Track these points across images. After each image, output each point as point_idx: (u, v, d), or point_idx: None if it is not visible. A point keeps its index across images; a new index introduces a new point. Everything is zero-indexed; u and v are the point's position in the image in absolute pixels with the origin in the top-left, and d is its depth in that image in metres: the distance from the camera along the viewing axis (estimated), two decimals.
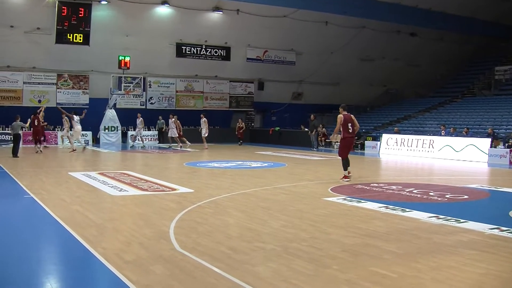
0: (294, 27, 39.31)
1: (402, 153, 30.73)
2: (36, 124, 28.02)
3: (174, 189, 14.79)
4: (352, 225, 10.16)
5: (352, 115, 17.31)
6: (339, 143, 18.46)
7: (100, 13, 34.44)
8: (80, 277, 6.93)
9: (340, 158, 17.58)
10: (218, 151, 29.02)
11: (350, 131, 16.99)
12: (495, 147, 26.97)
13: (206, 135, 33.01)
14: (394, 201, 12.96)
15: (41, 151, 27.77)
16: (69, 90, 37.14)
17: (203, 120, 33.02)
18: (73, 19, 33.14)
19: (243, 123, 38.60)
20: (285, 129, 40.61)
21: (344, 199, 13.26)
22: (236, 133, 38.08)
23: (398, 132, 33.46)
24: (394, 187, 15.77)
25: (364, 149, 33.94)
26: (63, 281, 6.82)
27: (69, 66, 36.23)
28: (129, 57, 35.78)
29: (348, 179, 16.89)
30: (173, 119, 33.59)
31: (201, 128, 33.33)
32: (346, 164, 17.07)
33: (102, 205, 12.40)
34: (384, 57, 45.23)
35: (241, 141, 37.30)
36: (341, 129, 17.08)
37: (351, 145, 17.77)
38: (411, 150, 30.48)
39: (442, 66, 48.40)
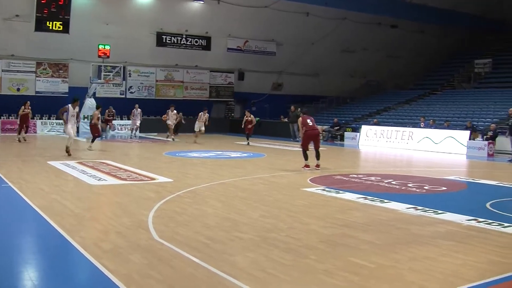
0: (275, 18, 39.24)
1: (381, 145, 30.85)
2: (24, 111, 27.69)
3: (153, 179, 14.75)
4: (330, 215, 10.19)
5: (311, 117, 18.66)
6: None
7: (80, 1, 34.14)
8: (57, 266, 6.89)
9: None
10: (198, 141, 28.95)
11: (310, 124, 18.10)
12: (473, 139, 27.16)
13: (203, 129, 31.00)
14: (373, 192, 13.01)
15: (24, 139, 27.28)
16: (48, 78, 36.73)
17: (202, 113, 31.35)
18: (53, 6, 32.78)
19: (251, 116, 31.07)
20: (265, 119, 40.56)
21: (323, 190, 13.30)
22: (243, 127, 31.11)
23: (378, 124, 33.57)
24: (373, 178, 15.84)
25: (343, 140, 34.01)
26: (41, 271, 6.77)
27: (48, 54, 35.80)
28: (109, 46, 35.57)
29: (308, 169, 17.63)
30: (174, 111, 32.33)
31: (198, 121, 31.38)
32: (305, 155, 18.08)
33: (80, 194, 12.32)
34: (364, 49, 45.24)
35: (248, 139, 30.31)
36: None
37: (314, 137, 18.37)
38: (390, 141, 30.61)
39: (423, 58, 48.57)
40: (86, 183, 13.75)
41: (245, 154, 23.37)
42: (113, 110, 34.03)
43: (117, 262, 6.87)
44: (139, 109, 33.64)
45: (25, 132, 27.90)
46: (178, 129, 33.59)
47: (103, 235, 8.33)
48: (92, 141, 23.82)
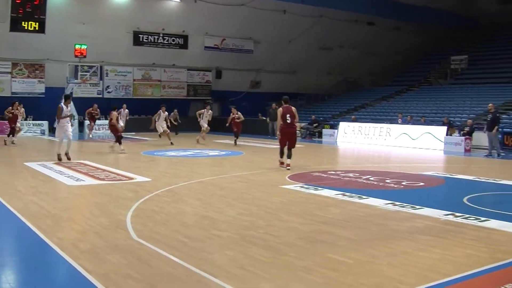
0: (252, 16, 39.23)
1: (359, 141, 30.99)
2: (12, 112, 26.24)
3: (131, 178, 14.69)
4: (308, 212, 10.21)
5: (293, 108, 17.47)
6: None
7: (55, 1, 33.86)
8: (35, 267, 6.82)
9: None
10: (176, 140, 28.87)
11: (288, 121, 17.10)
12: (450, 135, 27.37)
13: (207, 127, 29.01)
14: (351, 188, 13.07)
15: (12, 142, 25.86)
16: (24, 79, 36.41)
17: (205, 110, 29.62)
18: (28, 6, 32.46)
19: (239, 113, 28.95)
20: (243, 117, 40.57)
21: (301, 187, 13.33)
22: (228, 124, 29.28)
23: (356, 120, 33.70)
24: (351, 175, 15.91)
25: (321, 137, 34.12)
26: (18, 273, 6.72)
27: (24, 54, 35.47)
28: (85, 46, 35.37)
29: (283, 167, 17.17)
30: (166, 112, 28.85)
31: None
32: (280, 152, 17.65)
33: (58, 195, 12.25)
34: (341, 46, 45.37)
35: (236, 139, 28.52)
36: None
37: (290, 136, 17.42)
38: (368, 138, 30.75)
39: (399, 55, 48.82)
40: (63, 184, 13.66)
41: (223, 153, 23.35)
42: (98, 109, 33.46)
43: (95, 262, 6.84)
44: (126, 109, 31.72)
45: (12, 135, 26.32)
46: (177, 128, 33.63)
47: (81, 235, 8.28)
48: (119, 142, 22.73)
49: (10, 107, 26.38)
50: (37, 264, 6.99)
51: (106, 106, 35.13)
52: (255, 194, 12.48)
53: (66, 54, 35.30)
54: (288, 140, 17.33)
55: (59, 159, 18.59)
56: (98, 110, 33.64)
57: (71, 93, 34.57)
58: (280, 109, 17.44)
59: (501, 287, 5.99)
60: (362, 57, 46.92)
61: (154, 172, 16.27)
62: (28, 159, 19.22)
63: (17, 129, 26.50)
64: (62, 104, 19.24)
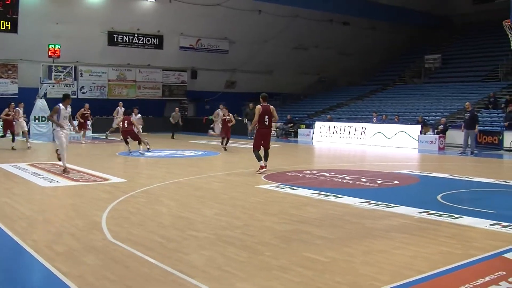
0: (227, 16, 39.23)
1: (335, 140, 31.12)
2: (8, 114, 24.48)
3: (107, 179, 14.62)
4: (285, 212, 10.24)
5: (271, 106, 16.62)
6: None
7: (28, 0, 33.59)
8: (9, 270, 6.77)
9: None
10: (152, 141, 28.75)
11: (266, 123, 16.29)
12: (424, 133, 27.63)
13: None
14: (327, 188, 13.14)
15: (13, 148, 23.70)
16: None
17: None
18: (0, 5, 32.17)
19: (230, 114, 26.07)
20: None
21: (277, 187, 13.36)
22: (219, 126, 27.10)
23: (331, 120, 33.83)
24: (326, 174, 15.98)
25: (297, 137, 34.22)
26: None
27: None
28: (59, 46, 35.04)
29: (263, 171, 16.03)
30: (139, 115, 26.15)
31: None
32: (258, 156, 16.31)
33: (32, 196, 12.14)
34: (317, 46, 45.57)
35: (226, 144, 24.93)
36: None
37: (265, 137, 16.52)
38: (343, 137, 30.90)
39: (374, 55, 49.12)
40: (37, 185, 13.55)
41: (199, 153, 23.33)
42: (89, 109, 31.57)
43: (71, 264, 6.80)
44: (123, 107, 30.48)
45: (13, 140, 24.31)
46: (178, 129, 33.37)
47: (56, 237, 8.22)
48: (140, 142, 22.17)
49: (7, 109, 24.55)
50: (11, 266, 6.92)
51: (80, 107, 34.97)
52: (231, 194, 12.48)
53: (39, 54, 34.97)
54: (263, 141, 16.45)
55: (66, 171, 15.73)
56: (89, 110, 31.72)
57: (45, 93, 34.37)
58: (259, 107, 16.25)
59: (474, 282, 6.07)
60: (337, 57, 47.14)
61: (129, 173, 16.22)
62: (0, 160, 19.01)
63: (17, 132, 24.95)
64: (60, 104, 16.19)
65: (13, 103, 25.47)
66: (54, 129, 16.61)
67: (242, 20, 40.19)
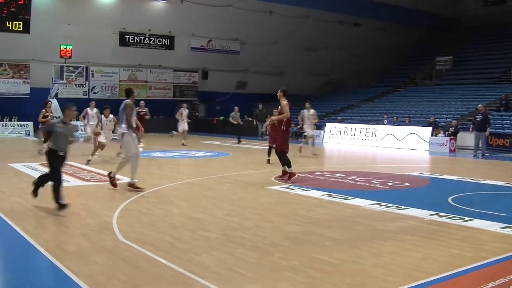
0: (238, 17, 39.25)
1: (345, 142, 31.08)
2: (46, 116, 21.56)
3: (117, 179, 14.62)
4: (295, 213, 10.25)
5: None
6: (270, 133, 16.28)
7: (40, 1, 33.74)
8: (21, 269, 6.81)
9: (280, 152, 15.03)
10: (162, 141, 28.81)
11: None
12: (435, 135, 27.55)
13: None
14: (337, 189, 13.11)
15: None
16: (9, 79, 36.24)
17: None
18: (12, 6, 32.28)
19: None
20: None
21: (288, 188, 13.36)
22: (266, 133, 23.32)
23: (342, 121, 33.78)
24: (337, 175, 15.96)
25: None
26: (3, 274, 6.71)
27: (8, 54, 35.24)
28: (71, 46, 35.26)
29: (294, 178, 14.49)
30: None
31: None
32: (288, 161, 14.81)
33: (43, 196, 12.15)
34: (327, 47, 45.49)
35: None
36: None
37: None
38: (354, 138, 30.84)
39: (385, 56, 49.02)
40: (49, 185, 13.56)
41: (210, 153, 23.36)
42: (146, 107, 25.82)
43: (82, 263, 6.84)
44: (187, 109, 28.68)
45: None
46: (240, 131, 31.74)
47: (67, 237, 8.27)
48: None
49: (43, 110, 21.85)
50: (22, 265, 6.96)
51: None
52: (241, 195, 12.49)
53: (51, 55, 35.16)
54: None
55: (137, 188, 12.82)
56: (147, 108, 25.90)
57: (56, 93, 34.43)
58: (286, 102, 14.62)
59: (485, 285, 6.06)
60: (347, 58, 47.03)
61: (140, 173, 16.12)
62: (12, 160, 19.08)
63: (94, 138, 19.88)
64: (102, 115, 17.30)
65: (50, 101, 23.53)
66: (124, 133, 12.79)
67: (253, 21, 40.20)
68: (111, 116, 20.12)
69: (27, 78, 36.78)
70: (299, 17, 41.13)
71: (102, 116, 18.01)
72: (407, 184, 14.78)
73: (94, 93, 39.52)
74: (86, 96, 38.72)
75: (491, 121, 25.10)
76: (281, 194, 12.55)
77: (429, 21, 46.67)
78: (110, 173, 13.11)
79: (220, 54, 42.84)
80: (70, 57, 35.42)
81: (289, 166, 14.69)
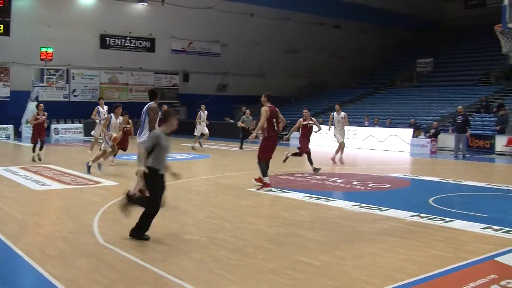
0: (219, 19, 39.25)
1: (326, 143, 31.08)
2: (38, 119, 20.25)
3: (98, 182, 14.58)
4: (276, 215, 10.25)
5: (276, 108, 13.84)
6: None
7: (21, 3, 33.54)
8: (1, 274, 6.75)
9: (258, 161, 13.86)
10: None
11: (275, 128, 13.63)
12: (416, 137, 27.69)
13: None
14: (318, 191, 13.14)
15: (39, 158, 20.03)
16: None
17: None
18: None
19: (312, 119, 19.87)
20: (211, 121, 40.52)
21: (269, 190, 13.34)
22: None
23: (322, 123, 33.78)
24: (318, 177, 15.99)
25: (289, 140, 34.15)
26: None
27: None
28: (51, 49, 35.05)
29: (269, 187, 13.53)
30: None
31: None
32: (265, 170, 13.64)
33: (23, 200, 12.10)
34: (308, 49, 45.64)
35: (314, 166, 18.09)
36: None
37: (275, 146, 13.88)
38: (335, 140, 30.83)
39: (366, 58, 49.22)
40: (29, 189, 13.49)
41: (191, 156, 23.31)
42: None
43: (62, 267, 6.79)
44: (205, 111, 28.52)
45: (40, 148, 20.31)
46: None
47: (47, 240, 8.21)
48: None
49: (35, 112, 20.79)
50: (2, 270, 6.91)
51: (72, 110, 34.88)
52: (223, 197, 12.48)
53: (31, 57, 34.92)
54: (271, 153, 13.87)
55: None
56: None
57: (37, 96, 34.19)
58: (267, 108, 13.36)
59: (466, 286, 6.10)
60: (328, 60, 47.21)
61: (121, 176, 16.16)
62: None
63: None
64: (112, 114, 16.52)
65: (42, 104, 21.52)
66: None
67: (234, 23, 40.23)
68: (120, 117, 17.75)
69: (7, 81, 36.54)
70: (279, 19, 41.26)
71: (112, 116, 16.72)
72: (388, 185, 14.84)
73: (75, 95, 39.36)
74: (67, 99, 38.61)
75: (471, 122, 25.29)
76: (262, 196, 12.56)
77: (410, 23, 46.96)
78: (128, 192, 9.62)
79: (201, 56, 42.83)
80: (50, 59, 35.22)
81: (264, 175, 13.58)
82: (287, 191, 13.12)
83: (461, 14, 47.25)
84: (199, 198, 12.34)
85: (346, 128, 23.20)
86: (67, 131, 35.96)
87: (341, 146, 22.36)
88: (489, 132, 27.39)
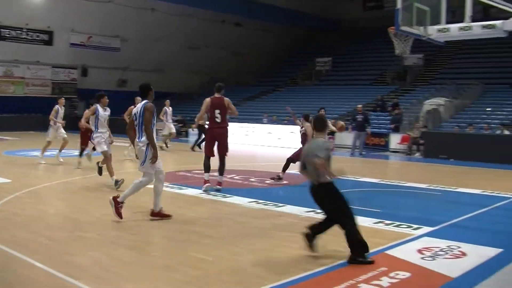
0: (119, 13, 38.73)
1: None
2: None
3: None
4: (173, 211, 10.20)
5: (226, 99, 13.05)
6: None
7: None
8: None
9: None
10: (40, 139, 27.94)
11: (218, 120, 12.90)
12: None
13: None
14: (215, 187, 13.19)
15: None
16: None
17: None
18: None
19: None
20: (111, 116, 39.94)
21: (165, 186, 13.28)
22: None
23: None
24: (216, 174, 16.02)
25: (188, 137, 34.18)
26: None
27: None
28: None
29: (207, 186, 12.86)
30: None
31: None
32: (206, 166, 13.10)
33: None
34: (209, 46, 45.70)
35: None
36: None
37: (219, 139, 13.18)
38: (234, 137, 31.00)
39: (267, 56, 49.75)
40: None
41: (86, 152, 22.83)
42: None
43: None
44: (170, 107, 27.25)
45: (80, 154, 18.07)
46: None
47: None
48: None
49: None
50: None
51: None
52: (119, 193, 12.35)
53: None
54: (218, 144, 13.22)
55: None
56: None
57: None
58: (208, 99, 13.02)
59: (357, 278, 6.37)
60: (229, 57, 47.43)
61: (14, 173, 15.70)
62: None
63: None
64: (97, 105, 14.18)
65: (63, 98, 20.43)
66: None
67: (134, 18, 39.78)
68: (108, 109, 15.16)
69: None
70: (181, 15, 41.13)
71: (98, 107, 14.10)
72: (286, 182, 15.07)
73: None
74: None
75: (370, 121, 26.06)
76: None
77: (312, 22, 47.82)
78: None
79: (100, 50, 42.03)
80: None
81: (205, 171, 13.03)
82: (184, 187, 13.17)
83: (360, 15, 48.60)
84: (96, 195, 12.15)
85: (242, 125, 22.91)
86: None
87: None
88: (384, 130, 28.27)
